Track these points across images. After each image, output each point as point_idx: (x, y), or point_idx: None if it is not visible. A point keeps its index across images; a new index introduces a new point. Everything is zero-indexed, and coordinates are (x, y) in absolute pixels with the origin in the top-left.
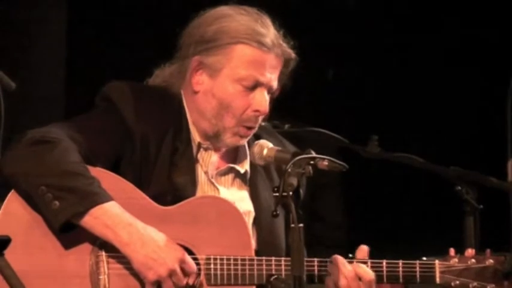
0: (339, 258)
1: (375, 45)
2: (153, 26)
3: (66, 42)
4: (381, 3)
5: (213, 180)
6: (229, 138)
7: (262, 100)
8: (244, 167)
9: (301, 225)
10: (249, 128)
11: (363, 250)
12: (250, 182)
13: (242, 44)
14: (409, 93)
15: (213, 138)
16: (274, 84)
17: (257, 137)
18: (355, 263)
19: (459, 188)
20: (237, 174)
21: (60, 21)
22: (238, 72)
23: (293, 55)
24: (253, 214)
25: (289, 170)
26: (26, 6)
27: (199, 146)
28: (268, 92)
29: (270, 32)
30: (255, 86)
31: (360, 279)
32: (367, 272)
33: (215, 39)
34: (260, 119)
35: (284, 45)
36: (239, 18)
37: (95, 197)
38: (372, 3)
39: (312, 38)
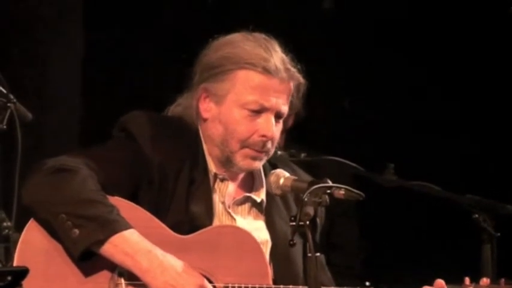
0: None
1: (390, 73)
2: (175, 51)
3: (82, 72)
4: (400, 31)
5: (229, 210)
6: (241, 162)
7: (268, 125)
8: (260, 196)
9: (318, 254)
10: (258, 151)
11: (441, 283)
12: (266, 211)
13: (245, 69)
14: (424, 122)
15: (227, 165)
16: (283, 109)
17: (273, 166)
18: None
19: (476, 216)
20: (254, 203)
21: (77, 49)
22: (242, 97)
23: (301, 80)
24: (270, 243)
25: (306, 199)
26: (44, 39)
27: (215, 176)
28: (277, 117)
29: (274, 56)
30: (260, 110)
31: None
32: None
33: (219, 65)
34: (269, 144)
35: (292, 69)
36: (243, 44)
37: (115, 224)
38: (389, 31)
39: (327, 67)
